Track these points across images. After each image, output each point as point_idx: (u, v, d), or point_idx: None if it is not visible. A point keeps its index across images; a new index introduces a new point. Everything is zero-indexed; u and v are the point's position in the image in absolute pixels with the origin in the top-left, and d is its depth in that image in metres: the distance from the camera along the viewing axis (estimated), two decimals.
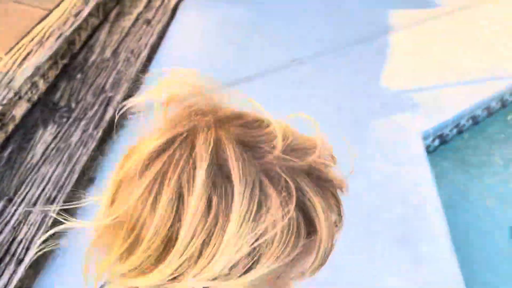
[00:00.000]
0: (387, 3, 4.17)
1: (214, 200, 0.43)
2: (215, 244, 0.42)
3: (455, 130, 2.93)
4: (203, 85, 0.51)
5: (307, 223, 0.46)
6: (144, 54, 2.82)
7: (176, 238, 0.43)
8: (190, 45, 3.11)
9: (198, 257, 0.43)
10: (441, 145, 2.88)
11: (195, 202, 0.42)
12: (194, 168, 0.43)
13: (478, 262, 2.29)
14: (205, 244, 0.42)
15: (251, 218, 0.42)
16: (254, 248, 0.43)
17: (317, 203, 0.46)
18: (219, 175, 0.43)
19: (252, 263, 0.43)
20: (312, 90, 2.95)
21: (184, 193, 0.43)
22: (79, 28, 2.67)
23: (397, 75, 3.18)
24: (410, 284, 1.85)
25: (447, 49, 3.60)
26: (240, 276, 0.43)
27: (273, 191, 0.44)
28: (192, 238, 0.42)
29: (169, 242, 0.43)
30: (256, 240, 0.42)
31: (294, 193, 0.44)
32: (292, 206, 0.44)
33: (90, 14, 2.79)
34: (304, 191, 0.46)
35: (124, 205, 0.46)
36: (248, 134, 0.47)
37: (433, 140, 2.77)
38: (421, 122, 2.73)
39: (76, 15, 2.67)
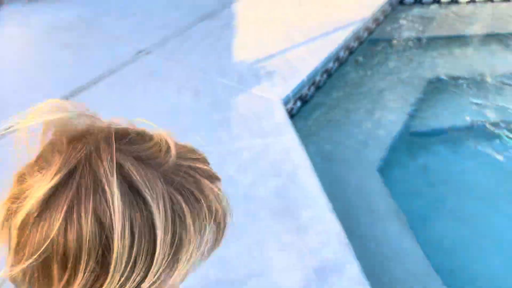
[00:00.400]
0: None
1: (136, 217, 0.44)
2: (145, 262, 0.44)
3: (313, 88, 3.00)
4: (70, 108, 0.48)
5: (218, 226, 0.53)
6: None
7: (109, 264, 0.43)
8: (18, 57, 2.73)
9: (129, 277, 0.44)
10: (303, 105, 2.94)
11: (119, 225, 0.43)
12: (105, 193, 0.43)
13: (354, 216, 2.40)
14: (136, 263, 0.44)
15: (171, 231, 0.46)
16: (174, 257, 0.47)
17: (222, 207, 0.52)
18: (131, 194, 0.44)
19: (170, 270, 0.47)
20: (165, 80, 2.79)
21: (105, 219, 0.43)
22: None
23: (247, 46, 3.15)
24: (296, 254, 1.84)
25: (288, 10, 3.66)
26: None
27: (182, 200, 0.47)
28: (123, 261, 0.43)
29: (102, 268, 0.44)
30: (178, 250, 0.47)
31: (200, 198, 0.49)
32: (203, 213, 0.49)
33: None
34: (206, 195, 0.50)
35: (42, 243, 0.43)
36: (139, 149, 0.48)
37: (295, 102, 2.80)
38: (279, 89, 2.73)
39: None
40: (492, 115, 3.19)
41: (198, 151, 0.54)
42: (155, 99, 2.59)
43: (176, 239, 0.47)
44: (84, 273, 0.43)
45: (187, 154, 0.52)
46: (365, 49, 3.61)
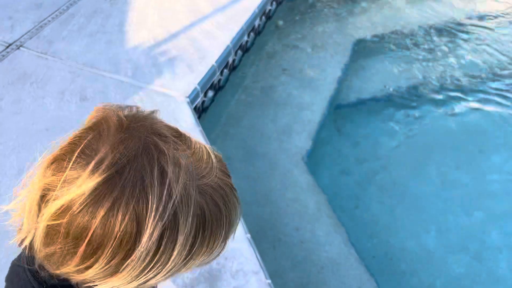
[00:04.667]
0: None
1: (166, 223, 0.47)
2: (161, 263, 0.49)
3: (226, 71, 2.58)
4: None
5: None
6: None
7: (130, 258, 0.47)
8: None
9: (143, 272, 0.48)
10: (217, 93, 2.54)
11: (151, 227, 0.46)
12: (147, 194, 0.46)
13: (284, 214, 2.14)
14: (153, 263, 0.48)
15: (191, 240, 0.50)
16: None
17: (236, 224, 0.57)
18: (167, 199, 0.47)
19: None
20: (42, 84, 2.26)
21: (141, 219, 0.46)
22: None
23: (144, 25, 2.63)
24: None
25: None
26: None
27: (209, 213, 0.51)
28: (144, 259, 0.47)
29: (123, 260, 0.47)
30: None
31: (225, 214, 0.53)
32: (223, 228, 0.54)
33: None
34: (229, 211, 0.55)
35: (80, 232, 0.47)
36: (182, 155, 0.50)
37: (205, 94, 2.39)
38: (184, 81, 2.30)
39: None
40: (419, 79, 2.96)
41: (225, 164, 0.57)
42: (28, 115, 2.09)
43: (194, 248, 0.50)
44: (105, 262, 0.47)
45: (220, 166, 0.54)
46: (284, 9, 3.18)
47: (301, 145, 2.50)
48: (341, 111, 2.78)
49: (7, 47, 2.41)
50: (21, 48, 2.42)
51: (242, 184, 2.21)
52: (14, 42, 2.44)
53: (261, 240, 1.96)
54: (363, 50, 3.07)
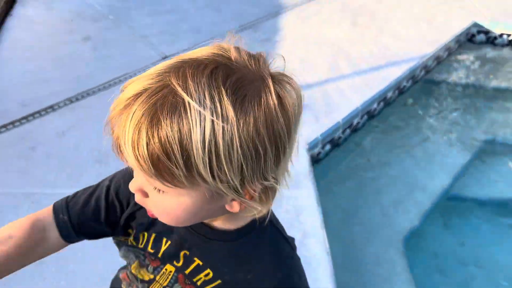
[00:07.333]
0: None
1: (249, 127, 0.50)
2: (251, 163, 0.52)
3: (348, 130, 2.62)
4: None
5: None
6: None
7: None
8: (30, 48, 2.49)
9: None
10: (333, 149, 2.57)
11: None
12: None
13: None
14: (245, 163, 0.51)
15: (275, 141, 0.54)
16: None
17: None
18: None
19: None
20: None
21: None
22: None
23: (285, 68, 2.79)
24: None
25: (339, 30, 3.26)
26: None
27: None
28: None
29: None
30: None
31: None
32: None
33: None
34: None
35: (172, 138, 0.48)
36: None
37: (323, 146, 2.44)
38: (308, 129, 2.38)
39: None
40: None
41: None
42: None
43: (279, 146, 0.53)
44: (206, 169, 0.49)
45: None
46: (418, 90, 3.17)
47: (404, 224, 2.41)
48: (454, 203, 2.64)
49: (164, 58, 2.71)
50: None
51: (334, 246, 2.16)
52: (171, 55, 2.74)
53: None
54: (491, 150, 2.92)
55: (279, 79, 0.55)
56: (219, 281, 0.67)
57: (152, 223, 0.69)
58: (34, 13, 2.69)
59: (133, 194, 0.60)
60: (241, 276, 0.66)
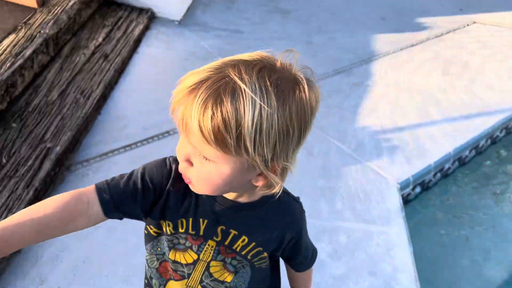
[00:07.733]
0: (365, 30, 3.92)
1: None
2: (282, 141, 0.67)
3: (439, 175, 2.66)
4: None
5: None
6: (97, 94, 2.58)
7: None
8: (152, 81, 2.86)
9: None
10: (423, 192, 2.62)
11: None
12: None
13: None
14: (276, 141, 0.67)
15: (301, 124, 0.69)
16: None
17: None
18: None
19: None
20: None
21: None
22: (21, 69, 2.43)
23: (375, 112, 2.92)
24: None
25: (430, 78, 3.35)
26: None
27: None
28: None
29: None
30: None
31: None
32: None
33: (36, 52, 2.55)
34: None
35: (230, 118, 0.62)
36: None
37: (414, 188, 2.50)
38: (399, 169, 2.46)
39: (17, 54, 2.42)
40: None
41: None
42: None
43: (302, 131, 0.68)
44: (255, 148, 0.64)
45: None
46: (511, 141, 3.13)
47: (493, 274, 2.36)
48: None
49: None
50: None
51: (423, 286, 2.18)
52: None
53: None
54: None
55: (307, 82, 0.69)
56: (253, 243, 0.85)
57: (187, 210, 0.82)
58: (156, 52, 3.09)
59: (165, 183, 0.78)
60: (268, 236, 0.86)
